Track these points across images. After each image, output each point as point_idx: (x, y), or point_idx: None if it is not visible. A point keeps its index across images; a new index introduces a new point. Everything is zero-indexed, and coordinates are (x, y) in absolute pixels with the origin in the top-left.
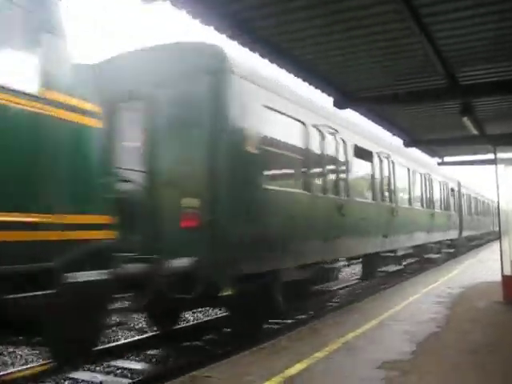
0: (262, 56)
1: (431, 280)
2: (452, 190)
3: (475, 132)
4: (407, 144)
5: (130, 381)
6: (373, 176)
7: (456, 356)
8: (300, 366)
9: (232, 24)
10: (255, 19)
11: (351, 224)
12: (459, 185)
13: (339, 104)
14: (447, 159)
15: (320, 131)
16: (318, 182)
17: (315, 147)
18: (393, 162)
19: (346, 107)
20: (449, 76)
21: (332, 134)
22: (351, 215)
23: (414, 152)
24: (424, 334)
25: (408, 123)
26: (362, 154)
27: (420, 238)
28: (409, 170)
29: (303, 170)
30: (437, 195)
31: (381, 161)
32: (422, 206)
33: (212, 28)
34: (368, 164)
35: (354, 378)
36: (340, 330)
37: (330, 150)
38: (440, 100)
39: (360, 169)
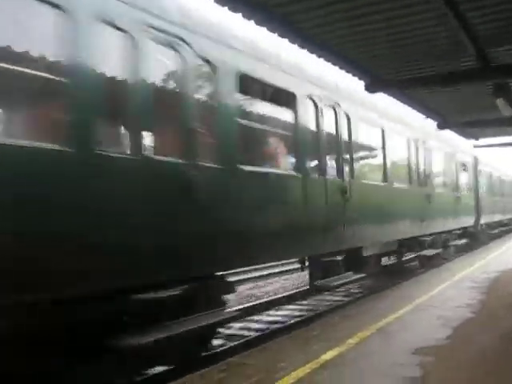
0: (292, 42)
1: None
2: (464, 165)
3: (511, 113)
4: (441, 126)
5: (166, 368)
6: (296, 133)
7: (492, 341)
8: (333, 353)
9: (259, 10)
10: (283, 4)
11: (236, 210)
12: (476, 160)
13: (370, 88)
14: (482, 141)
15: (130, 37)
16: (126, 131)
17: (126, 67)
18: (347, 116)
19: (378, 91)
20: (481, 57)
21: (173, 46)
22: (233, 196)
23: (403, 111)
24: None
25: (441, 105)
26: (268, 93)
27: (406, 229)
28: (383, 131)
29: (88, 107)
30: (438, 171)
31: (318, 111)
32: (410, 183)
33: (240, 15)
34: (286, 113)
35: (387, 364)
36: (373, 316)
37: (163, 77)
38: (473, 81)
39: (259, 118)
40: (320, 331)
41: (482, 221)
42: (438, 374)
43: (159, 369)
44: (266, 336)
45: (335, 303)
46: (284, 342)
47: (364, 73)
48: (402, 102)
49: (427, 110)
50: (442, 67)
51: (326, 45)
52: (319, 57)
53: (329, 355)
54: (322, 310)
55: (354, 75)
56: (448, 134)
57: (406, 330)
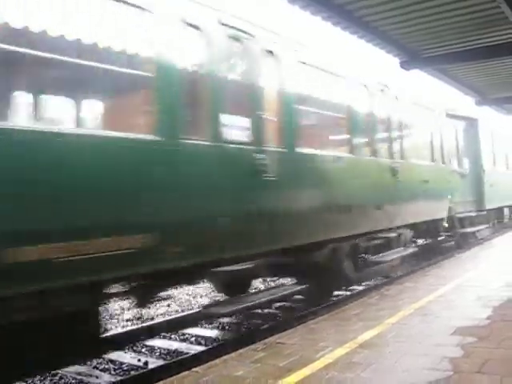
0: (325, 19)
1: None
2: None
3: None
4: (479, 103)
5: (204, 348)
6: None
7: None
8: (372, 332)
9: None
10: None
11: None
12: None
13: (406, 65)
14: None
15: None
16: None
17: None
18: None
19: (414, 68)
20: None
21: None
22: None
23: None
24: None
25: (480, 81)
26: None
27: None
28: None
29: None
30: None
31: None
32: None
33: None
34: None
35: (427, 344)
36: (413, 294)
37: None
38: None
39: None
40: (360, 311)
41: (489, 206)
42: (479, 354)
43: (197, 348)
44: (305, 315)
45: (374, 282)
46: (323, 322)
47: (400, 49)
48: (438, 79)
49: (465, 86)
50: (483, 41)
51: (361, 20)
52: (353, 34)
53: (368, 335)
54: (361, 290)
55: (388, 52)
56: None
57: (446, 310)
